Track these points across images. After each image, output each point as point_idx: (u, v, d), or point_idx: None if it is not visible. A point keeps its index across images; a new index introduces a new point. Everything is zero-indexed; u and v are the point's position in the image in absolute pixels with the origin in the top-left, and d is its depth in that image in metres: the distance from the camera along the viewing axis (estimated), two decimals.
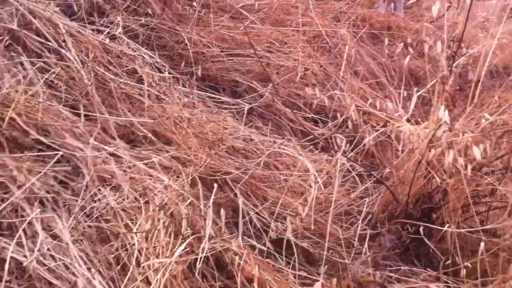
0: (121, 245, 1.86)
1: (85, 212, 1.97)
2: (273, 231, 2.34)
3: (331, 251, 2.35)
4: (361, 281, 2.09)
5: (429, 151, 2.53)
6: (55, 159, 2.14)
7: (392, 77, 3.94)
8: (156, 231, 1.85)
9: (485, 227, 2.33)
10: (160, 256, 1.79)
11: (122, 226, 1.91)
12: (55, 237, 1.89)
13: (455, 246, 2.31)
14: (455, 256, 2.23)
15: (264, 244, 2.29)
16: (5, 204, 1.93)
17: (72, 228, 1.90)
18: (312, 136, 3.05)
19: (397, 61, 4.05)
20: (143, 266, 1.75)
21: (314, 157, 2.84)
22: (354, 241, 2.42)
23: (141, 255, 1.80)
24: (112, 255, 1.84)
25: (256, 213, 2.43)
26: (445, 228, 2.33)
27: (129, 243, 1.84)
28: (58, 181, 2.13)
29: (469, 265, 2.13)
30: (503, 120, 2.76)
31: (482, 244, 2.22)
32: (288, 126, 3.13)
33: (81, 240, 1.86)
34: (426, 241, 2.42)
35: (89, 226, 1.93)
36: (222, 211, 2.05)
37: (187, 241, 1.85)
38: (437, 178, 2.46)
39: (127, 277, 1.75)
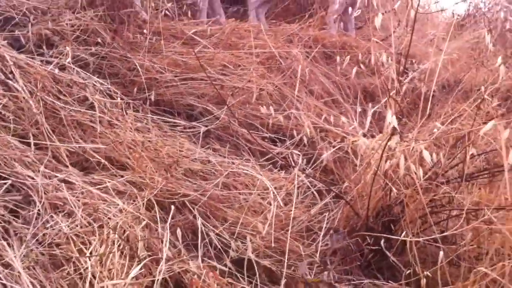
0: (75, 270, 1.79)
1: (37, 239, 1.90)
2: (233, 251, 2.30)
3: (292, 268, 2.32)
4: (309, 281, 2.07)
5: (385, 162, 2.55)
6: (3, 188, 2.07)
7: (347, 95, 3.98)
8: (111, 254, 1.79)
9: (443, 234, 2.33)
10: (115, 279, 1.73)
11: (75, 251, 1.85)
12: (6, 266, 1.82)
13: (415, 258, 2.31)
14: (416, 267, 2.22)
15: (225, 265, 2.24)
16: None
17: (24, 256, 1.82)
18: (270, 155, 3.04)
19: (350, 79, 4.11)
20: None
21: (273, 176, 2.82)
22: (316, 257, 2.40)
23: (95, 279, 1.74)
24: (66, 281, 1.77)
25: (216, 234, 2.39)
26: (401, 237, 2.33)
27: (83, 267, 1.78)
28: (9, 210, 2.06)
29: (429, 274, 2.12)
30: (455, 129, 2.81)
31: (441, 253, 2.23)
32: (246, 147, 3.11)
33: (33, 268, 1.79)
34: (387, 253, 2.41)
35: (42, 254, 1.86)
36: (179, 231, 2.00)
37: (143, 262, 1.80)
38: (394, 189, 2.47)
39: None
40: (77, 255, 1.82)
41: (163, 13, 3.63)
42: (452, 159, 2.67)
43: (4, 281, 1.74)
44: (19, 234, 1.96)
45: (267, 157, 3.06)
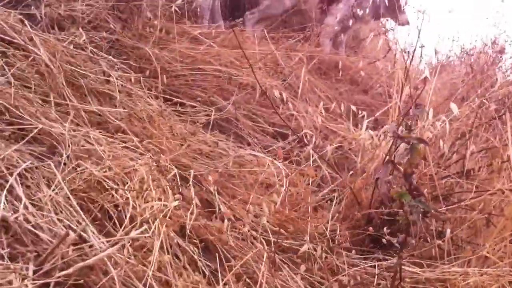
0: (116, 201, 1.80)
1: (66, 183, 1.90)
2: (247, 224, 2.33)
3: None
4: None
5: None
6: (31, 135, 2.07)
7: (341, 108, 4.09)
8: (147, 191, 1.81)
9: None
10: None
11: (111, 188, 1.86)
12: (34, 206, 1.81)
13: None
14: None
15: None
16: None
17: (56, 193, 1.82)
18: (272, 148, 3.11)
19: (343, 94, 4.26)
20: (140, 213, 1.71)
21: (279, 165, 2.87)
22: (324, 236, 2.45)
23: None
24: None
25: (229, 207, 2.42)
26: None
27: (122, 198, 1.79)
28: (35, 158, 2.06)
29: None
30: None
31: (448, 230, 2.34)
32: (249, 139, 3.17)
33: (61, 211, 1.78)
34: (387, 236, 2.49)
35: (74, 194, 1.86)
36: (211, 178, 2.03)
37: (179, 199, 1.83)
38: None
39: (124, 225, 1.70)
40: (114, 194, 1.83)
41: (173, 9, 3.69)
42: (452, 155, 2.82)
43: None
44: (47, 178, 1.96)
45: (269, 149, 3.13)
